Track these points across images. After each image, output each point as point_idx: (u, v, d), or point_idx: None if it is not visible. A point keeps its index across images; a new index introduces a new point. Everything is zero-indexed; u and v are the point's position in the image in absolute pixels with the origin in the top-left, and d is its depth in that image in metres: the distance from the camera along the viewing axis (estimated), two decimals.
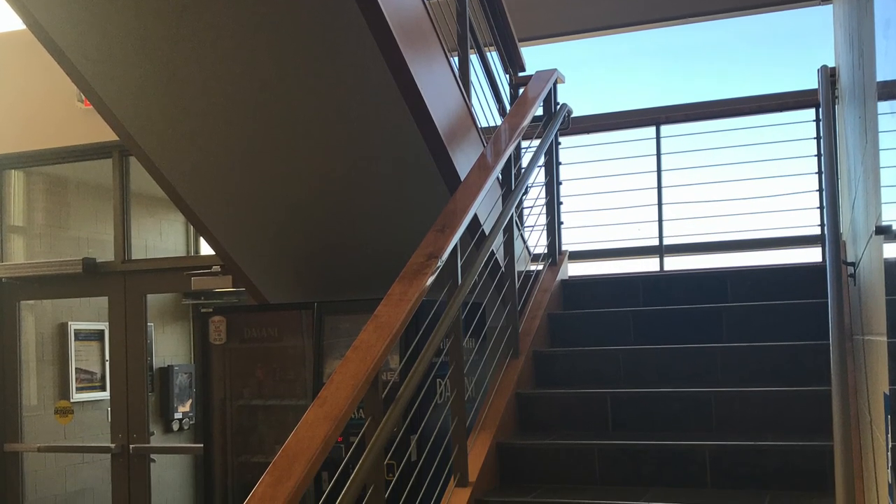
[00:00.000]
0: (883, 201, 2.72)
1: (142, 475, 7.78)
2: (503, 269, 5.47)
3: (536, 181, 6.29)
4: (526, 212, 6.43)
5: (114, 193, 8.07)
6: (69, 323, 9.26)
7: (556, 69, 6.43)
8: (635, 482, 4.60)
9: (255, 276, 6.23)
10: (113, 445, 7.84)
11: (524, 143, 6.40)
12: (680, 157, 6.87)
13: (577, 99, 6.78)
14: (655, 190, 6.86)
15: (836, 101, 5.89)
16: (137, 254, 8.33)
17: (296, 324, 5.74)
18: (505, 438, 4.92)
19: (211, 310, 5.96)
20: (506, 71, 6.77)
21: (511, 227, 5.35)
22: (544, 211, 6.45)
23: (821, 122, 6.23)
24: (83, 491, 9.07)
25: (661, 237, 6.91)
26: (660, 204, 6.87)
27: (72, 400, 9.01)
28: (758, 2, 7.21)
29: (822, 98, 5.70)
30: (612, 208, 6.93)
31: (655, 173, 6.87)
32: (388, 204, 5.44)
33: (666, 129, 6.95)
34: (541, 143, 6.01)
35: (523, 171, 5.76)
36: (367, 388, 3.46)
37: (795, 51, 7.99)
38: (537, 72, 6.41)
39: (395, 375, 4.90)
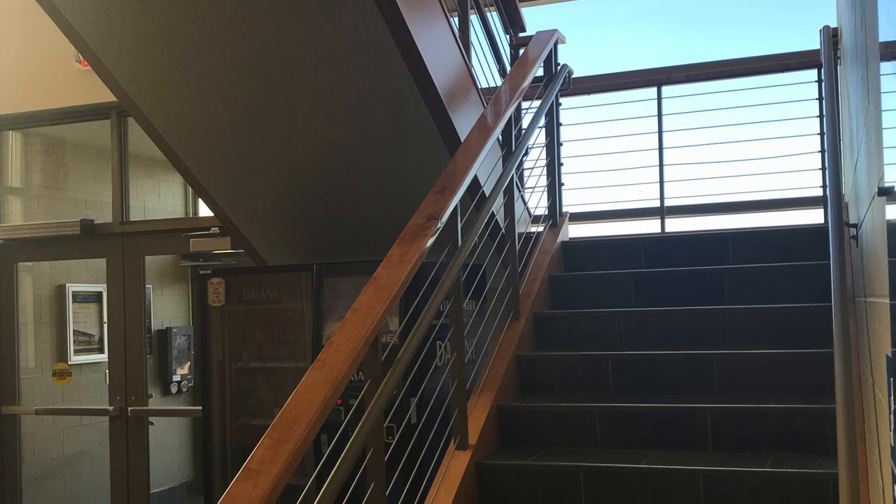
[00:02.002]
0: (885, 162, 2.70)
1: (140, 438, 7.79)
2: (503, 230, 5.44)
3: (537, 142, 6.26)
4: (526, 173, 6.40)
5: (112, 155, 8.03)
6: (67, 285, 9.24)
7: (556, 30, 6.38)
8: (636, 445, 4.60)
9: (253, 238, 6.21)
10: (111, 408, 7.85)
11: (524, 105, 6.37)
12: (681, 118, 6.83)
13: (578, 60, 6.73)
14: (657, 151, 6.84)
15: (839, 61, 5.85)
16: (136, 215, 8.29)
17: (295, 286, 5.72)
18: (505, 401, 4.91)
19: (209, 271, 5.95)
20: (506, 31, 6.71)
21: (511, 188, 5.31)
22: (545, 172, 6.42)
23: (823, 83, 6.19)
24: (81, 453, 9.10)
25: (662, 198, 6.90)
26: (661, 165, 6.86)
27: (70, 362, 9.02)
28: None
29: (824, 59, 5.67)
30: (614, 170, 6.90)
31: (657, 134, 6.85)
32: (387, 165, 5.41)
33: (667, 90, 6.93)
34: (541, 104, 5.97)
35: (524, 132, 5.71)
36: (366, 351, 3.45)
37: (798, 11, 7.93)
38: (538, 32, 6.36)
39: (394, 338, 4.90)
